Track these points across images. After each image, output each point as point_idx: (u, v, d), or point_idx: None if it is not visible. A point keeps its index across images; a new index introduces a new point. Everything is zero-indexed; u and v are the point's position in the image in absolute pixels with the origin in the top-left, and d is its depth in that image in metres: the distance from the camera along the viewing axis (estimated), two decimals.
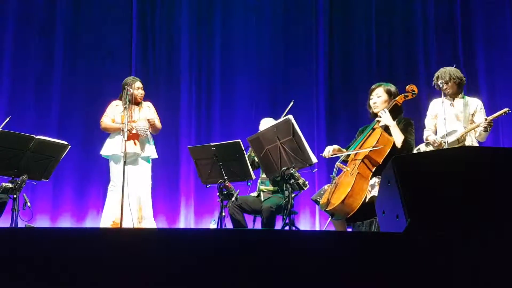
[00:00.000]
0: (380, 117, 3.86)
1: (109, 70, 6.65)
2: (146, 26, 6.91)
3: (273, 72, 6.93)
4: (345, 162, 3.93)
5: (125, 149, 4.60)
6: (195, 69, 6.92)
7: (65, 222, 6.31)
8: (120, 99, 5.13)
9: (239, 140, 4.32)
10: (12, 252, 1.76)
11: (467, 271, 1.73)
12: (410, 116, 4.06)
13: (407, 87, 3.95)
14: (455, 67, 4.58)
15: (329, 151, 3.98)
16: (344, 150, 4.01)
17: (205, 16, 7.00)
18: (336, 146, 4.03)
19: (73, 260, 1.76)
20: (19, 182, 4.13)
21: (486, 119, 4.28)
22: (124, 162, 4.59)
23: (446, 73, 4.49)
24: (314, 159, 3.82)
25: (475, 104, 4.49)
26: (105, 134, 5.17)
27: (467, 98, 4.56)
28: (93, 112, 5.77)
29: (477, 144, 4.45)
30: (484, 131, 4.31)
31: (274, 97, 6.79)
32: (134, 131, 4.93)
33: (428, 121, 4.66)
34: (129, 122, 4.85)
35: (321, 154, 4.01)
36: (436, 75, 4.57)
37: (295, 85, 6.81)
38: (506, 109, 4.32)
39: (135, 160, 5.00)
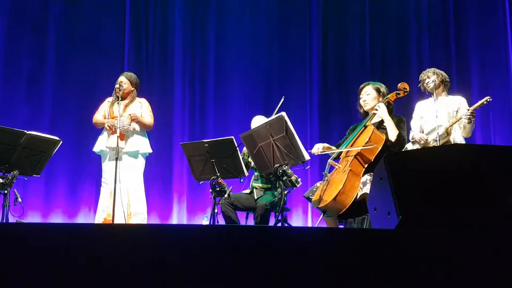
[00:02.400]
0: (377, 110, 3.89)
1: (102, 67, 6.61)
2: (140, 23, 6.88)
3: (267, 69, 6.93)
4: (337, 159, 3.94)
5: (117, 145, 4.63)
6: (188, 66, 6.90)
7: (57, 219, 6.28)
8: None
9: (232, 137, 4.31)
10: (2, 248, 1.75)
11: (456, 269, 1.74)
12: (402, 114, 4.10)
13: (399, 85, 4.00)
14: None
15: (318, 148, 4.00)
16: (333, 147, 4.04)
17: (199, 13, 6.98)
18: (325, 144, 4.06)
19: (64, 256, 1.75)
20: (10, 178, 4.11)
21: (468, 109, 4.33)
22: (116, 158, 4.61)
23: (431, 70, 4.70)
24: (307, 156, 3.83)
25: (458, 101, 4.59)
26: (96, 130, 5.15)
27: (450, 96, 4.69)
28: (86, 109, 5.75)
29: (462, 141, 4.50)
30: (468, 122, 4.33)
31: (268, 95, 6.78)
32: (113, 127, 4.87)
33: (414, 123, 4.73)
34: (112, 118, 4.89)
35: (309, 151, 4.02)
36: (420, 75, 4.73)
37: (289, 83, 6.81)
38: (487, 97, 4.38)
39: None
